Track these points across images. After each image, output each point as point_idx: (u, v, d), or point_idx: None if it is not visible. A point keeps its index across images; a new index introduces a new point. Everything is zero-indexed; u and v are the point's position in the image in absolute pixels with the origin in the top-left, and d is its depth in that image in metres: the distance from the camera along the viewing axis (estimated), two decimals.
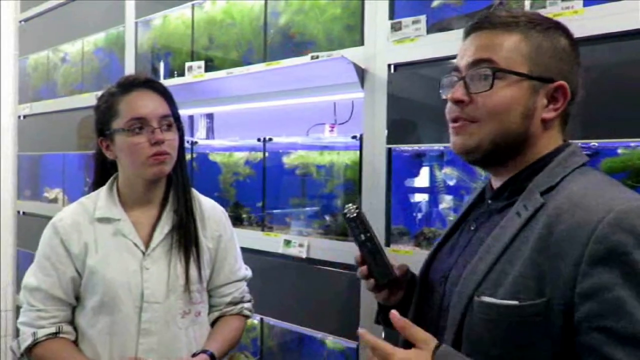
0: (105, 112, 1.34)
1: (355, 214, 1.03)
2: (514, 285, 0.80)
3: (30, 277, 1.34)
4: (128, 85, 1.34)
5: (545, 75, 0.87)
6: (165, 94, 1.36)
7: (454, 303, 0.88)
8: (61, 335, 1.31)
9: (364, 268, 1.07)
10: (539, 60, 0.87)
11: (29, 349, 1.30)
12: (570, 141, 0.94)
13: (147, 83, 1.35)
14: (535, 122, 0.88)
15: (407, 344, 0.89)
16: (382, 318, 1.13)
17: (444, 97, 0.95)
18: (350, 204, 1.06)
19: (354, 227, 1.04)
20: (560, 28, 0.91)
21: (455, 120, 0.92)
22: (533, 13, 0.93)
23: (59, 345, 1.30)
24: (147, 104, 1.31)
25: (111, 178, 1.41)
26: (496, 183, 0.96)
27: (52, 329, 1.30)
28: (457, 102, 0.90)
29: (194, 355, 1.33)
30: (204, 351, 1.33)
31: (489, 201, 0.97)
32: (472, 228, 0.97)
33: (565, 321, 0.76)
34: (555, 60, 0.88)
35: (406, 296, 1.09)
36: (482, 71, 0.88)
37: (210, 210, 1.47)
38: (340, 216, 1.94)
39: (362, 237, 1.03)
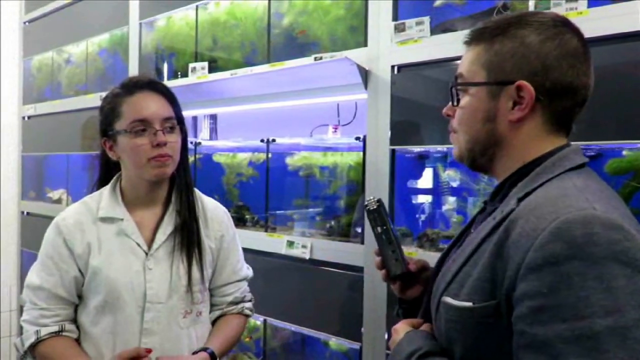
0: (108, 113, 1.34)
1: (375, 207, 1.07)
2: (472, 288, 0.83)
3: (34, 276, 1.35)
4: (131, 87, 1.34)
5: (504, 79, 0.88)
6: (168, 95, 1.36)
7: (432, 302, 0.95)
8: (64, 333, 1.32)
9: (378, 259, 1.14)
10: (497, 65, 0.89)
11: (32, 347, 1.31)
12: (570, 144, 0.92)
13: (151, 85, 1.35)
14: (502, 125, 0.90)
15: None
16: (401, 312, 1.18)
17: None
18: (372, 197, 1.09)
19: (371, 220, 1.07)
20: (535, 25, 0.88)
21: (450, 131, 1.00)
22: (510, 17, 0.91)
23: (61, 343, 1.31)
24: (150, 106, 1.31)
25: (114, 178, 1.41)
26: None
27: (55, 328, 1.31)
28: (447, 115, 1.00)
29: (194, 353, 1.33)
30: (204, 349, 1.34)
31: (487, 205, 1.00)
32: (472, 230, 0.99)
33: (509, 323, 0.78)
34: (517, 60, 0.87)
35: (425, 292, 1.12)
36: (453, 85, 0.96)
37: (212, 211, 1.47)
38: (343, 218, 1.94)
39: (379, 229, 1.06)
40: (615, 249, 0.71)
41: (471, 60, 0.93)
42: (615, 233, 0.72)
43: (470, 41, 0.94)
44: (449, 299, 0.87)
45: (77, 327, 1.35)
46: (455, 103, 0.96)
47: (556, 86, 0.87)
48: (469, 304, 0.83)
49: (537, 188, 0.84)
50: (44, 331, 1.30)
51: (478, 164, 0.96)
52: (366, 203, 1.09)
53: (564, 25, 0.89)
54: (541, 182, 0.85)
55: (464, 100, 0.94)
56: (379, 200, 1.08)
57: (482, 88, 0.91)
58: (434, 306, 0.93)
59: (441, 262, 1.06)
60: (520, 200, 0.84)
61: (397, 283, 1.13)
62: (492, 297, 0.80)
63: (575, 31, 0.90)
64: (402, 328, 0.98)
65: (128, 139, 1.30)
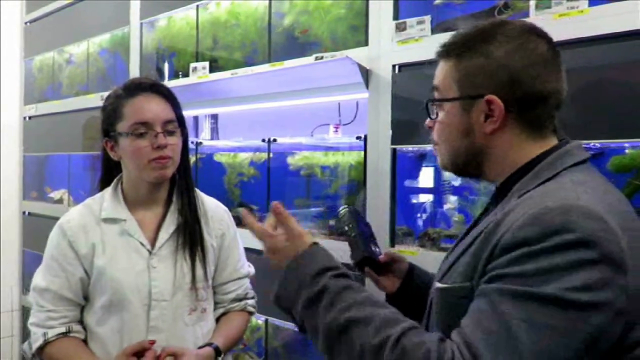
0: (110, 114, 1.35)
1: (343, 212, 1.23)
2: (457, 273, 0.87)
3: (39, 279, 1.36)
4: (134, 89, 1.35)
5: (474, 93, 0.90)
6: (170, 98, 1.37)
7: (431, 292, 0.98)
8: (71, 334, 1.33)
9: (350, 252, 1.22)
10: (467, 80, 0.91)
11: (40, 349, 1.32)
12: (569, 140, 0.93)
13: (153, 87, 1.36)
14: (479, 137, 0.92)
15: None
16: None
17: None
18: (344, 205, 1.25)
19: (343, 223, 1.22)
20: (501, 37, 0.90)
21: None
22: (478, 30, 0.93)
23: (69, 344, 1.32)
24: (152, 108, 1.32)
25: (116, 179, 1.43)
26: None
27: (62, 329, 1.32)
28: (428, 128, 1.02)
29: (199, 348, 1.35)
30: (209, 344, 1.36)
31: (491, 205, 1.01)
32: None
33: None
34: (486, 75, 0.89)
35: (405, 287, 1.19)
36: (430, 99, 0.99)
37: (213, 209, 1.49)
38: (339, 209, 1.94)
39: (346, 228, 1.20)
40: (587, 238, 0.72)
41: (444, 75, 0.95)
42: (592, 223, 0.73)
43: (441, 55, 0.97)
44: (437, 284, 0.91)
45: (84, 328, 1.36)
46: (433, 116, 0.99)
47: (525, 96, 0.88)
48: (447, 285, 0.88)
49: (539, 185, 0.85)
50: (51, 333, 1.31)
51: (464, 172, 0.99)
52: (339, 211, 1.24)
53: (530, 33, 0.91)
54: (543, 179, 0.86)
55: (441, 114, 0.96)
56: (347, 206, 1.24)
57: (455, 103, 0.93)
58: (431, 295, 0.97)
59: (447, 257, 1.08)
60: (521, 197, 0.85)
61: (363, 270, 1.20)
62: (468, 279, 0.84)
63: (543, 36, 0.91)
64: (307, 237, 0.98)
65: (129, 141, 1.31)
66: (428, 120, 1.01)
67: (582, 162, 0.88)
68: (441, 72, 0.97)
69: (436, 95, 0.98)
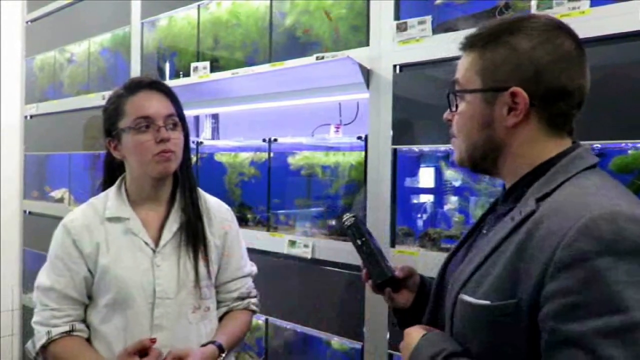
0: (112, 113, 1.37)
1: (351, 222, 1.12)
2: (491, 287, 0.84)
3: (44, 278, 1.36)
4: (134, 87, 1.37)
5: (498, 85, 0.89)
6: (170, 94, 1.39)
7: (447, 300, 0.94)
8: (75, 333, 1.33)
9: (364, 271, 1.17)
10: (491, 72, 0.90)
11: (44, 348, 1.32)
12: (580, 144, 0.92)
13: (153, 84, 1.38)
14: (499, 130, 0.91)
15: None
16: (397, 322, 1.19)
17: None
18: (347, 213, 1.14)
19: (350, 234, 1.12)
20: (527, 30, 0.89)
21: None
22: (502, 23, 0.93)
23: (72, 342, 1.33)
24: (153, 104, 1.34)
25: (119, 178, 1.43)
26: (507, 187, 0.98)
27: (66, 327, 1.33)
28: (447, 121, 1.01)
29: (203, 345, 1.35)
30: (212, 342, 1.36)
31: (499, 205, 0.99)
32: (484, 232, 1.00)
33: (531, 322, 0.79)
34: (510, 67, 0.89)
35: (418, 300, 1.14)
36: (450, 91, 0.97)
37: (216, 208, 1.50)
38: (344, 216, 1.94)
39: (358, 242, 1.11)
40: (635, 244, 0.72)
41: (466, 66, 0.94)
42: (638, 227, 0.74)
43: (465, 47, 0.96)
44: (466, 297, 0.87)
45: (87, 327, 1.37)
46: (453, 109, 0.97)
47: (550, 91, 0.88)
48: (487, 302, 0.83)
49: (556, 189, 0.85)
50: (55, 331, 1.32)
51: (480, 168, 0.97)
52: (343, 220, 1.14)
53: (557, 28, 0.90)
54: (559, 182, 0.86)
55: (461, 106, 0.95)
56: (354, 216, 1.13)
57: (477, 95, 0.92)
58: (450, 305, 0.92)
59: (447, 263, 1.06)
60: (538, 200, 0.85)
61: (384, 291, 1.15)
62: (512, 297, 0.80)
63: (569, 33, 0.90)
64: (415, 331, 0.96)
65: (132, 136, 1.32)
66: (447, 112, 1.00)
67: (592, 167, 0.88)
68: (463, 65, 0.96)
69: (457, 88, 0.97)
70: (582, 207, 0.77)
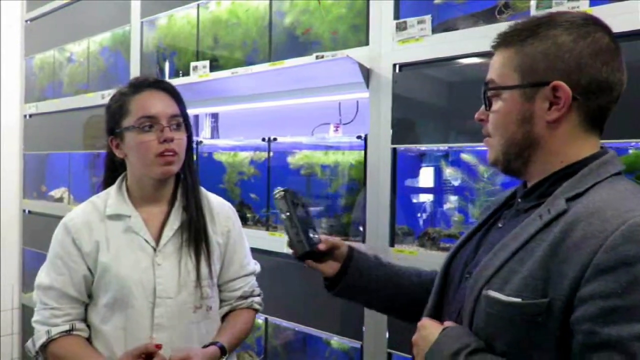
0: (116, 112, 1.36)
1: (279, 197, 1.17)
2: (521, 284, 0.82)
3: (43, 277, 1.36)
4: (139, 86, 1.36)
5: (538, 80, 0.88)
6: (174, 94, 1.39)
7: (467, 296, 0.92)
8: (74, 332, 1.33)
9: (287, 241, 1.21)
10: (530, 67, 0.89)
11: (44, 347, 1.32)
12: (608, 149, 0.92)
13: (157, 83, 1.38)
14: (539, 127, 0.90)
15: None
16: (325, 285, 1.23)
17: None
18: (278, 188, 1.19)
19: (278, 208, 1.17)
20: (565, 25, 0.88)
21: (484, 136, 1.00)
22: (539, 18, 0.92)
23: (72, 342, 1.32)
24: (157, 103, 1.34)
25: (120, 177, 1.43)
26: (528, 184, 0.98)
27: (66, 327, 1.32)
28: (479, 120, 0.99)
29: (204, 347, 1.34)
30: (214, 343, 1.35)
31: (519, 200, 0.98)
32: (500, 226, 0.99)
33: (563, 323, 0.78)
34: (551, 61, 0.88)
35: (344, 269, 1.19)
36: (484, 92, 0.96)
37: (218, 207, 1.49)
38: (344, 216, 1.94)
39: (283, 216, 1.16)
40: None
41: (502, 64, 0.93)
42: None
43: (499, 45, 0.94)
44: (494, 293, 0.85)
45: (88, 326, 1.36)
46: (488, 108, 0.95)
47: (592, 84, 0.87)
48: (518, 299, 0.82)
49: (588, 190, 0.85)
50: (55, 330, 1.31)
51: (512, 167, 0.95)
52: (274, 192, 1.19)
53: (594, 23, 0.89)
54: (590, 184, 0.85)
55: (497, 104, 0.94)
56: (284, 190, 1.17)
57: (515, 91, 0.91)
58: (472, 300, 0.90)
59: (453, 256, 1.06)
60: (569, 200, 0.85)
61: (306, 261, 1.19)
62: (543, 296, 0.80)
63: (606, 29, 0.90)
64: (432, 325, 0.94)
65: (135, 135, 1.32)
66: (480, 112, 0.98)
67: (619, 173, 0.89)
68: (497, 63, 0.94)
69: (489, 86, 0.95)
70: (623, 212, 0.77)
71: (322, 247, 1.17)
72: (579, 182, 0.86)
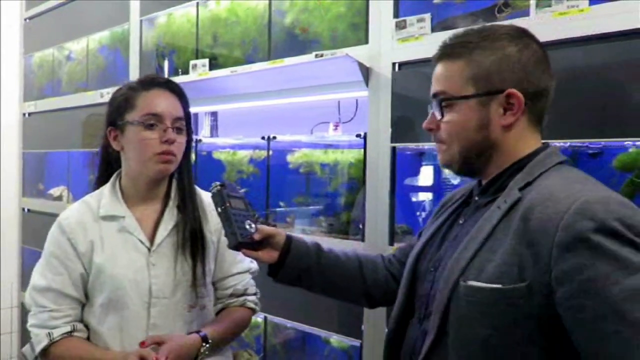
0: (121, 104, 1.36)
1: (215, 191, 1.21)
2: (497, 272, 0.88)
3: (39, 278, 1.34)
4: (149, 83, 1.37)
5: (494, 89, 0.96)
6: (182, 97, 1.39)
7: (440, 288, 0.97)
8: (76, 333, 1.32)
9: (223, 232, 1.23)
10: (484, 77, 0.97)
11: (44, 351, 1.30)
12: (548, 143, 1.01)
13: (168, 84, 1.39)
14: (495, 130, 0.98)
15: (402, 319, 1.11)
16: (268, 271, 1.28)
17: None
18: (215, 182, 1.23)
19: (214, 202, 1.21)
20: (507, 37, 0.97)
21: (435, 141, 1.07)
22: (479, 31, 1.00)
23: (75, 343, 1.31)
24: (165, 103, 1.34)
25: (114, 175, 1.42)
26: (483, 182, 1.06)
27: (68, 328, 1.31)
28: (427, 130, 1.06)
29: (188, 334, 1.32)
30: (197, 332, 1.33)
31: (476, 197, 1.06)
32: (461, 222, 1.07)
33: (546, 303, 0.84)
34: (502, 71, 0.96)
35: (284, 256, 1.23)
36: (436, 103, 1.02)
37: (211, 204, 1.47)
38: (343, 215, 1.94)
39: (219, 209, 1.20)
40: (629, 223, 0.80)
41: (451, 75, 1.00)
42: (628, 210, 0.83)
43: (444, 57, 1.02)
44: (474, 282, 0.90)
45: (86, 327, 1.35)
46: (440, 117, 1.02)
47: (537, 90, 0.97)
48: (498, 285, 0.87)
49: (537, 178, 0.94)
50: (57, 332, 1.29)
51: (473, 167, 1.03)
52: (210, 188, 1.22)
53: (527, 35, 0.99)
54: (538, 173, 0.94)
55: (451, 114, 1.00)
56: (221, 184, 1.21)
57: (471, 100, 0.98)
58: (447, 291, 0.94)
59: (420, 254, 1.12)
60: (521, 189, 0.93)
61: (242, 250, 1.21)
62: (520, 280, 0.85)
63: (536, 39, 1.00)
64: None
65: (137, 131, 1.32)
66: (428, 122, 1.05)
67: (560, 163, 0.97)
68: (445, 74, 1.01)
69: (440, 97, 1.01)
70: (570, 193, 0.85)
71: (256, 236, 1.20)
72: (528, 174, 0.95)
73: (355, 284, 1.28)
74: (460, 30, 1.03)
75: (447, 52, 1.01)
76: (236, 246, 1.19)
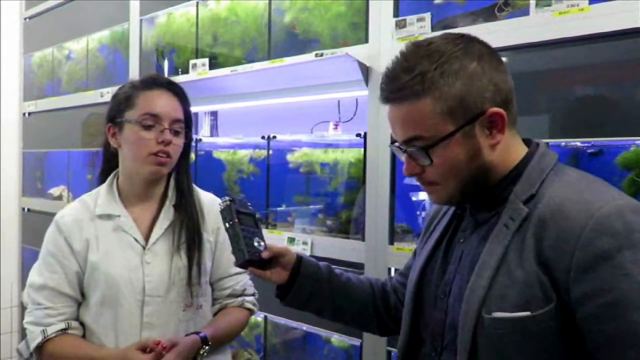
0: (122, 101, 1.36)
1: (223, 207, 1.18)
2: (521, 298, 0.83)
3: (36, 276, 1.35)
4: (151, 83, 1.37)
5: (473, 114, 0.88)
6: (183, 98, 1.39)
7: (462, 324, 0.89)
8: (70, 331, 1.32)
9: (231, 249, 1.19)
10: (458, 107, 0.87)
11: (38, 348, 1.31)
12: (535, 140, 0.96)
13: (169, 85, 1.39)
14: (486, 152, 0.91)
15: (410, 349, 1.03)
16: (276, 294, 1.22)
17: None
18: (225, 197, 1.20)
19: (223, 218, 1.18)
20: (460, 53, 0.88)
21: (421, 183, 0.98)
22: (424, 57, 0.89)
23: (69, 340, 1.32)
24: (164, 104, 1.34)
25: (112, 174, 1.43)
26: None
27: (62, 325, 1.32)
28: (412, 176, 0.96)
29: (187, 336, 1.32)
30: (197, 333, 1.33)
31: (473, 212, 0.99)
32: (462, 241, 0.99)
33: (570, 323, 0.81)
34: (474, 92, 0.87)
35: (293, 277, 1.17)
36: (416, 149, 0.91)
37: (209, 204, 1.47)
38: (343, 214, 1.94)
39: (226, 225, 1.17)
40: None
41: (420, 117, 0.89)
42: None
43: (401, 98, 0.90)
44: (500, 314, 0.84)
45: (82, 325, 1.36)
46: (426, 163, 0.92)
47: (507, 96, 0.91)
48: (527, 313, 0.82)
49: (539, 188, 0.88)
50: (51, 330, 1.30)
51: (472, 194, 0.95)
52: (220, 202, 1.19)
53: (472, 40, 0.92)
54: (539, 182, 0.89)
55: (438, 156, 0.90)
56: (231, 200, 1.18)
57: (455, 135, 0.88)
58: (470, 325, 0.88)
59: (422, 276, 1.05)
60: (526, 203, 0.87)
61: (249, 268, 1.18)
62: (547, 302, 0.81)
63: (478, 40, 0.92)
64: None
65: (135, 130, 1.32)
66: (411, 168, 0.95)
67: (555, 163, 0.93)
68: (414, 115, 0.90)
69: (418, 143, 0.91)
70: (585, 206, 0.80)
71: (264, 255, 1.15)
72: (528, 184, 0.90)
73: (367, 310, 1.21)
74: (397, 63, 0.92)
75: (401, 93, 0.90)
76: (243, 264, 1.15)
